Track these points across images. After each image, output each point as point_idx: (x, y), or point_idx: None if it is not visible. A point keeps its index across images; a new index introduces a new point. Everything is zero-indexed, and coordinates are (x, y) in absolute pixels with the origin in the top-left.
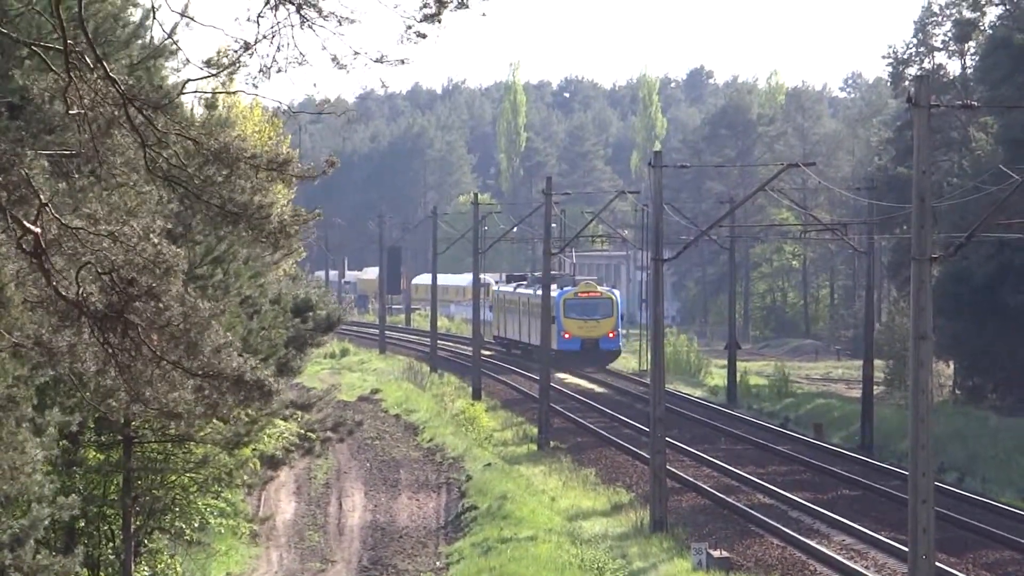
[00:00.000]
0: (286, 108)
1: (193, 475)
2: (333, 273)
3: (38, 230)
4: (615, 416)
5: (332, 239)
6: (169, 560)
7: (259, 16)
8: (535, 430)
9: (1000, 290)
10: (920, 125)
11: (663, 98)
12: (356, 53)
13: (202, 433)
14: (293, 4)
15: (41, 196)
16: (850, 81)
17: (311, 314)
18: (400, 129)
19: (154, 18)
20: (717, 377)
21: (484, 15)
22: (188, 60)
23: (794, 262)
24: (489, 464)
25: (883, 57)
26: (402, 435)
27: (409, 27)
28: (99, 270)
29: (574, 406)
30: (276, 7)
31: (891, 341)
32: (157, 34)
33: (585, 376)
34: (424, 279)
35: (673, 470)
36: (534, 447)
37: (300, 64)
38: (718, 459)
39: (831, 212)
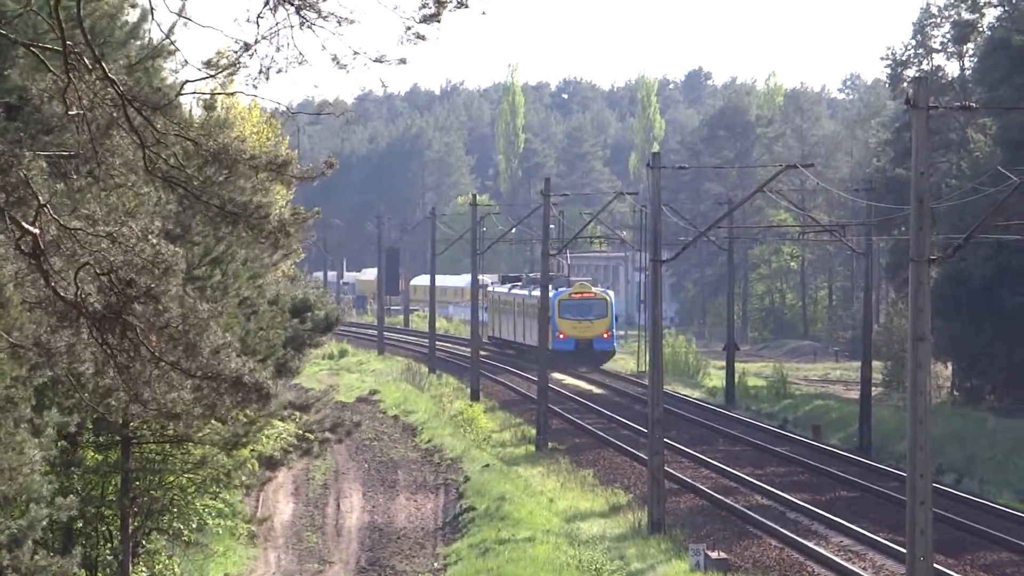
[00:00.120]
0: (285, 109)
1: (191, 476)
2: (331, 274)
3: (37, 231)
4: (613, 417)
5: (330, 240)
6: (167, 561)
7: (258, 17)
8: (533, 431)
9: (998, 291)
10: (918, 126)
11: (661, 99)
12: (356, 53)
13: (200, 434)
14: (292, 5)
15: (40, 197)
16: (848, 82)
17: (309, 315)
18: (399, 130)
19: (152, 18)
20: (715, 378)
21: (484, 13)
22: (186, 61)
23: (792, 263)
24: (487, 465)
25: (881, 58)
26: (400, 436)
27: (408, 28)
28: (98, 271)
29: (572, 407)
30: (275, 8)
31: (889, 342)
32: (156, 35)
33: (583, 377)
34: (422, 280)
35: (671, 471)
36: (532, 448)
37: (300, 64)
38: (716, 460)
39: (829, 213)
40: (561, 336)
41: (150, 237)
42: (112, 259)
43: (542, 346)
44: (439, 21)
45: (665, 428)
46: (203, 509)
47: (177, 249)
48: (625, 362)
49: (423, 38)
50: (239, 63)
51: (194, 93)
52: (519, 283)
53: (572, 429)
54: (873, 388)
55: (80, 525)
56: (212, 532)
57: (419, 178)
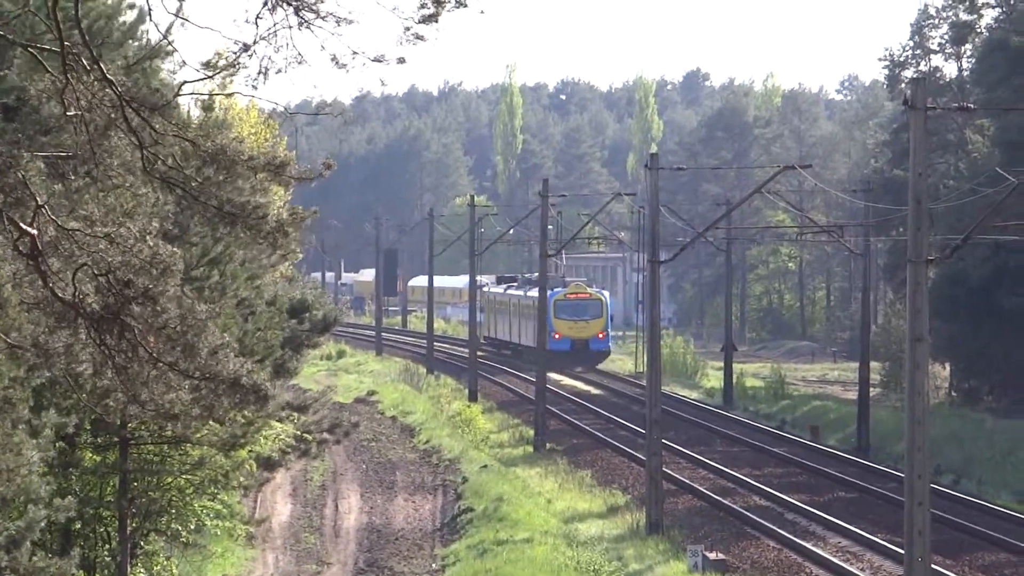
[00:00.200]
0: (283, 109)
1: (189, 477)
2: (329, 275)
3: (35, 232)
4: (611, 418)
5: (328, 241)
6: (165, 562)
7: (257, 17)
8: (531, 432)
9: (996, 292)
10: (916, 127)
11: (659, 100)
12: (355, 53)
13: (198, 435)
14: (291, 5)
15: (38, 198)
16: (846, 83)
17: (307, 315)
18: (396, 131)
19: (151, 19)
20: (713, 379)
21: (482, 12)
22: (184, 62)
23: (790, 264)
24: (485, 466)
25: (879, 59)
26: (398, 437)
27: (407, 28)
28: (96, 272)
29: (570, 408)
30: (274, 8)
31: (887, 343)
32: (154, 36)
33: (581, 378)
34: (420, 281)
35: (669, 472)
36: (530, 449)
37: (299, 64)
38: (714, 461)
39: (827, 214)
40: (557, 336)
41: (148, 238)
42: (110, 260)
43: (540, 347)
44: (437, 21)
45: (663, 429)
46: (201, 510)
47: (175, 250)
48: (623, 363)
49: (422, 38)
50: (238, 64)
51: (192, 94)
52: (514, 283)
53: (570, 430)
54: (871, 389)
55: (78, 526)
56: (210, 533)
57: (417, 179)
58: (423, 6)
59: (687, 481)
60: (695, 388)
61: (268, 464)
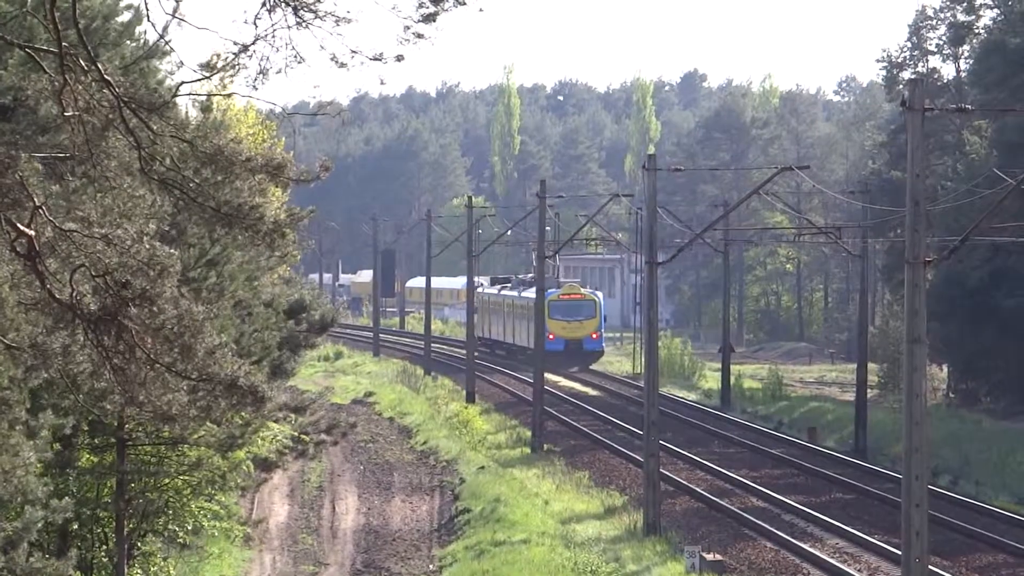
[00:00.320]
0: (281, 110)
1: (186, 478)
2: (327, 276)
3: (32, 233)
4: (609, 419)
5: (326, 242)
6: (162, 563)
7: (256, 18)
8: (529, 433)
9: (994, 294)
10: (914, 128)
11: (657, 101)
12: (354, 52)
13: (195, 436)
14: (289, 5)
15: (35, 199)
16: (844, 84)
17: (304, 315)
18: (394, 132)
19: (148, 19)
20: (711, 380)
21: (481, 11)
22: (182, 63)
23: (788, 265)
24: (482, 467)
25: (877, 60)
26: (396, 438)
27: (407, 27)
28: (93, 273)
29: (568, 409)
30: (272, 8)
31: (885, 344)
32: (152, 37)
33: (578, 379)
34: (418, 282)
35: (667, 473)
36: (527, 450)
37: (298, 64)
38: (712, 462)
39: (825, 215)
40: (551, 337)
41: (145, 239)
42: (107, 261)
43: (538, 348)
44: (436, 20)
45: (661, 430)
46: (198, 511)
47: (172, 251)
48: (621, 364)
49: (422, 36)
50: (238, 64)
51: (190, 94)
52: (508, 284)
53: (567, 431)
54: (869, 390)
55: (75, 527)
56: (207, 534)
57: (415, 180)
58: (422, 5)
59: (684, 482)
60: (693, 389)
61: (265, 465)
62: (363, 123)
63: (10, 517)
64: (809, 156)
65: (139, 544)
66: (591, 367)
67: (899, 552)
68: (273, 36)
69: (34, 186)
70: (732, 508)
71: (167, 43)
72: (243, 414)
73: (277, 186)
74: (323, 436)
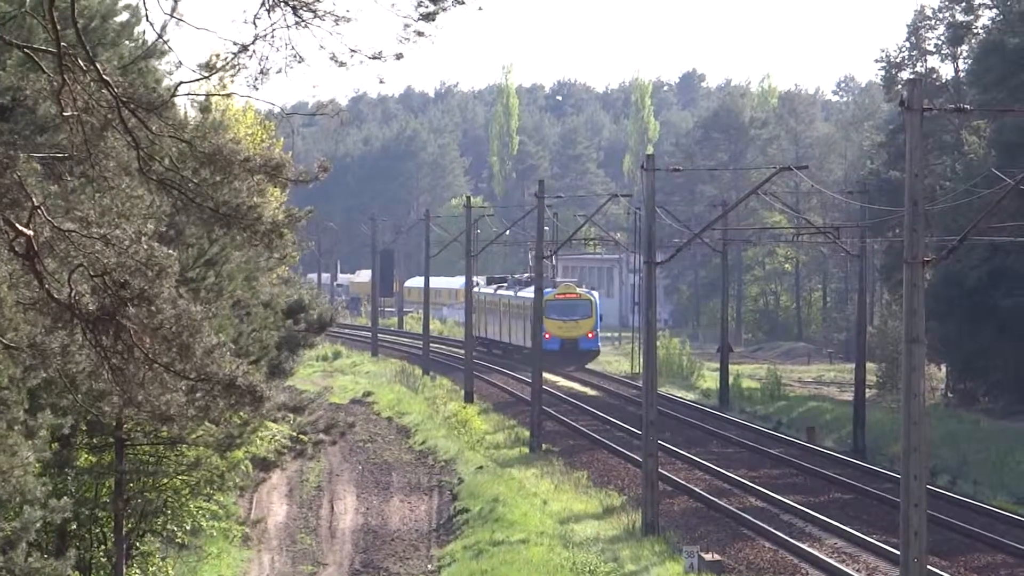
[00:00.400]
0: (279, 110)
1: (185, 478)
2: (325, 276)
3: (30, 232)
4: (607, 419)
5: (324, 242)
6: (161, 563)
7: (255, 18)
8: (527, 433)
9: (992, 293)
10: (912, 128)
11: (656, 101)
12: (353, 51)
13: (194, 435)
14: (288, 5)
15: (34, 199)
16: (843, 84)
17: (303, 315)
18: (393, 132)
19: (147, 19)
20: (709, 380)
21: (480, 9)
22: (181, 62)
23: (787, 265)
24: (481, 467)
25: (876, 61)
26: (394, 438)
27: (407, 26)
28: (91, 273)
29: (566, 409)
30: (272, 8)
31: (883, 344)
32: (151, 37)
33: (576, 379)
34: (416, 282)
35: (665, 473)
36: (526, 450)
37: (298, 63)
38: (710, 462)
39: (823, 215)
40: (547, 336)
41: (144, 239)
42: (106, 261)
43: (536, 348)
44: (435, 19)
45: (659, 430)
46: (197, 511)
47: (170, 252)
48: (619, 364)
49: (422, 34)
50: (238, 64)
51: (189, 94)
52: (504, 284)
53: (566, 431)
54: (867, 390)
55: (74, 527)
56: (206, 534)
57: (413, 180)
58: (421, 4)
59: (683, 482)
60: (691, 389)
61: (264, 465)
62: (362, 123)
63: (8, 517)
64: (808, 156)
65: (137, 544)
66: (590, 367)
67: (898, 552)
68: (272, 36)
69: (32, 186)
70: (731, 508)
71: (165, 43)
72: (241, 414)
73: (276, 186)
74: (321, 436)
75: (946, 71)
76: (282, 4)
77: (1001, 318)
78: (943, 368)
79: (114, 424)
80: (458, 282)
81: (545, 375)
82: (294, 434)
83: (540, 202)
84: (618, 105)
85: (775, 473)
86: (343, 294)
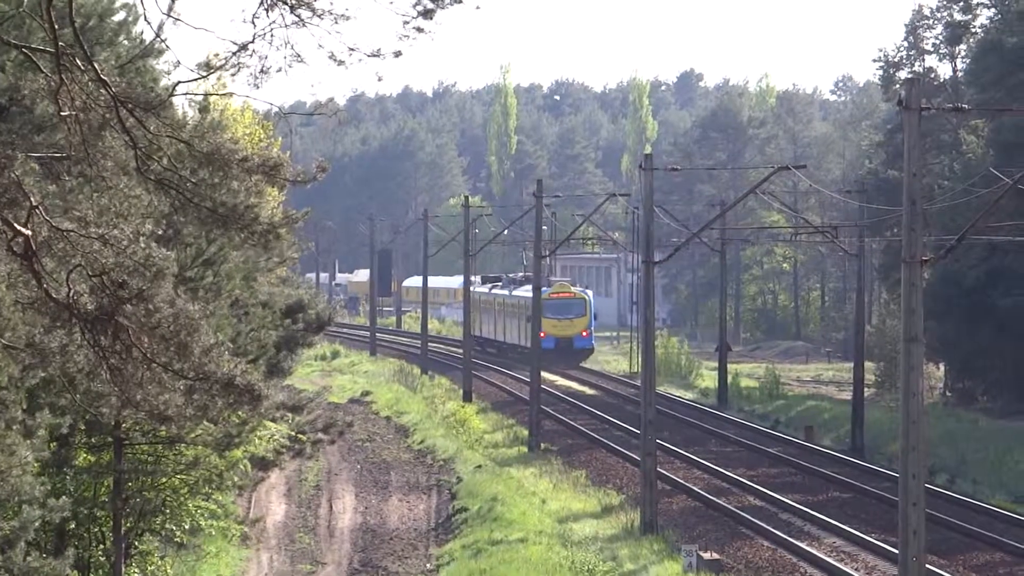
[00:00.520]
0: (277, 110)
1: (184, 477)
2: (324, 275)
3: (29, 232)
4: (605, 418)
5: (323, 242)
6: (159, 562)
7: (254, 17)
8: (526, 432)
9: (991, 293)
10: (911, 128)
11: (654, 101)
12: (352, 50)
13: (192, 435)
14: (287, 4)
15: (32, 198)
16: (841, 84)
17: (301, 315)
18: (391, 132)
19: (145, 19)
20: (708, 379)
21: (478, 8)
22: (179, 62)
23: (785, 265)
24: (480, 466)
25: (874, 60)
26: (393, 437)
27: (406, 23)
28: (89, 272)
29: (564, 408)
30: (270, 7)
31: (882, 343)
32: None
33: (575, 378)
34: (414, 281)
35: (664, 472)
36: (524, 449)
37: (297, 62)
38: (709, 461)
39: (822, 215)
40: (541, 335)
41: (141, 239)
42: (104, 261)
43: (534, 346)
44: (433, 17)
45: (657, 429)
46: (195, 510)
47: (168, 252)
48: (617, 363)
49: (422, 31)
50: (237, 63)
51: (187, 94)
52: (499, 283)
53: (564, 430)
54: (865, 389)
55: (72, 526)
56: (204, 533)
57: (411, 180)
58: (418, 3)
59: (682, 481)
60: (690, 388)
61: (262, 464)
62: (360, 123)
63: (7, 516)
64: (806, 155)
65: (136, 543)
66: (588, 366)
67: (896, 551)
68: (271, 35)
69: (30, 185)
70: (729, 507)
71: (163, 42)
72: (240, 413)
73: (274, 186)
74: (320, 435)
75: (944, 70)
76: (280, 3)
77: (999, 317)
78: (941, 367)
79: (113, 423)
80: (456, 281)
81: (543, 374)
82: (293, 433)
83: (538, 202)
84: (616, 105)
85: (773, 472)
86: (341, 293)
